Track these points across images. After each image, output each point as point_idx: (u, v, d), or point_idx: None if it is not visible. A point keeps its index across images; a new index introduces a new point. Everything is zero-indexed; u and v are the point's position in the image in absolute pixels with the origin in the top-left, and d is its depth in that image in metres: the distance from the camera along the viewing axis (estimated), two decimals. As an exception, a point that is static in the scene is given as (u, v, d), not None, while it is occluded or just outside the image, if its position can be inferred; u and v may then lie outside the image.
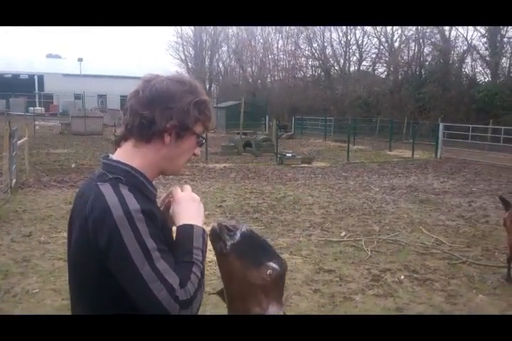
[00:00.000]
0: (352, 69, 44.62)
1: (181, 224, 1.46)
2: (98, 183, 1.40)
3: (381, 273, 5.85)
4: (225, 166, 15.74)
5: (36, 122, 28.30)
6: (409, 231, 7.88)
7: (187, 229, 1.44)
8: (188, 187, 1.58)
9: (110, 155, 1.51)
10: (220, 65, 60.46)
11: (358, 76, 41.45)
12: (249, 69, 55.59)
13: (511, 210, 5.84)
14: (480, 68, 33.18)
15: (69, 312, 1.54)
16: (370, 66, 43.79)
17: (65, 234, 1.56)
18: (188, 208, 1.51)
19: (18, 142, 11.91)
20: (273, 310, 1.49)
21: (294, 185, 12.43)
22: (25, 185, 11.14)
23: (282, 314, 1.51)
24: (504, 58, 30.47)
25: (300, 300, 5.02)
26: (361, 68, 43.86)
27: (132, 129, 1.46)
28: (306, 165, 16.57)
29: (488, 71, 31.74)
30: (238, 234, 1.49)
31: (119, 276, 1.33)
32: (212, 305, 4.18)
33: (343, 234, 7.58)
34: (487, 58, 31.42)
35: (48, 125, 30.49)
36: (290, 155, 17.46)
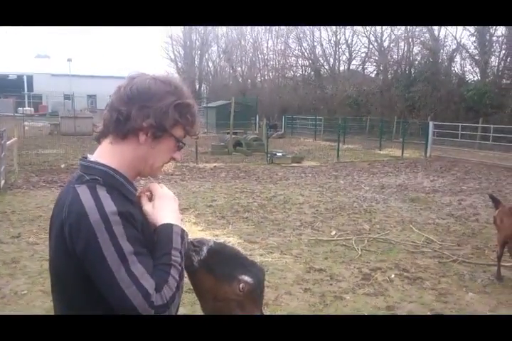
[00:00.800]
0: (342, 68, 44.78)
1: (161, 223, 1.43)
2: (75, 186, 1.37)
3: (372, 272, 5.86)
4: (215, 166, 15.71)
5: (25, 123, 28.11)
6: (400, 229, 7.89)
7: (166, 229, 1.42)
8: (163, 186, 1.56)
9: (89, 155, 1.49)
10: (210, 65, 60.49)
11: (348, 75, 41.55)
12: (239, 68, 55.65)
13: (501, 208, 5.87)
14: (469, 67, 33.39)
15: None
16: (359, 65, 44.01)
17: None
18: (169, 206, 1.49)
19: (7, 143, 11.82)
20: None
21: (284, 184, 12.43)
22: (14, 186, 11.06)
23: None
24: (493, 57, 30.65)
25: (291, 300, 5.00)
26: (351, 67, 44.07)
27: (110, 125, 1.43)
28: (297, 165, 16.56)
29: (478, 70, 31.89)
30: (205, 250, 1.45)
31: (96, 281, 1.31)
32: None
33: (333, 233, 7.59)
34: (476, 57, 31.58)
35: (37, 125, 30.32)
36: (280, 154, 17.46)
